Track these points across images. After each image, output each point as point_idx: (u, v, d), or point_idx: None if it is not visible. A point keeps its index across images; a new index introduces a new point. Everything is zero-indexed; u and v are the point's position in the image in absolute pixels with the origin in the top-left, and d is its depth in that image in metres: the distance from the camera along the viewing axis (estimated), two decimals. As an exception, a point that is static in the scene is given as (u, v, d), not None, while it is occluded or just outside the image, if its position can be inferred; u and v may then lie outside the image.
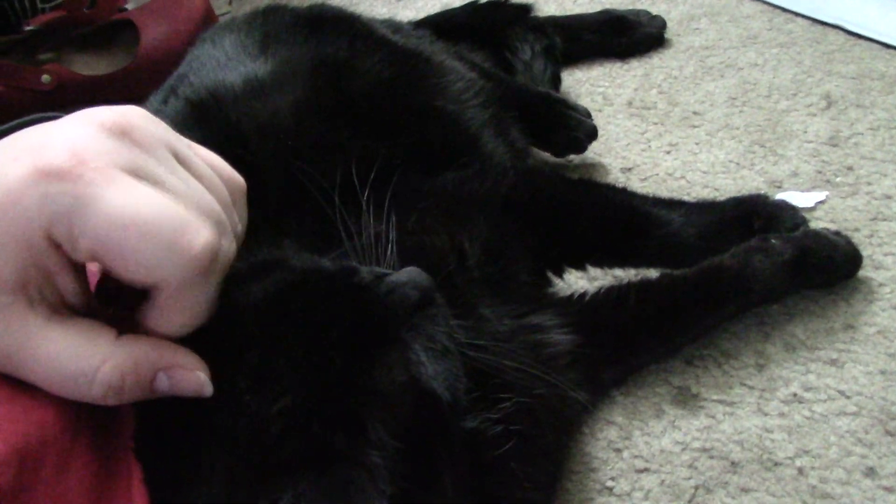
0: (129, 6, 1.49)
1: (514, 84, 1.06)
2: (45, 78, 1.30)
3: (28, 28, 1.37)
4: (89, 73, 1.35)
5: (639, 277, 0.79)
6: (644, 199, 0.81)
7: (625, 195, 0.82)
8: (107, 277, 0.43)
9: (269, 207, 0.65)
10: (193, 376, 0.41)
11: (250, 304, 0.45)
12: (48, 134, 0.40)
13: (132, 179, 0.39)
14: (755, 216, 0.79)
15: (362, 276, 0.49)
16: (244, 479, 0.40)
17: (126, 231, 0.37)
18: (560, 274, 0.78)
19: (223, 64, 0.79)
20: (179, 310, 0.41)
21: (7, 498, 0.35)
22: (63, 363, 0.39)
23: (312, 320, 0.45)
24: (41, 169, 0.37)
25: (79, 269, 0.40)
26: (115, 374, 0.39)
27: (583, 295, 0.77)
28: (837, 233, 0.78)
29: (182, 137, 0.47)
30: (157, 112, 0.75)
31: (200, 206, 0.41)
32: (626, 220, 0.78)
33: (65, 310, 0.40)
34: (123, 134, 0.40)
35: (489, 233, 0.70)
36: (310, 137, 0.71)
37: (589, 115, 1.00)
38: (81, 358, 0.39)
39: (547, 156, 1.03)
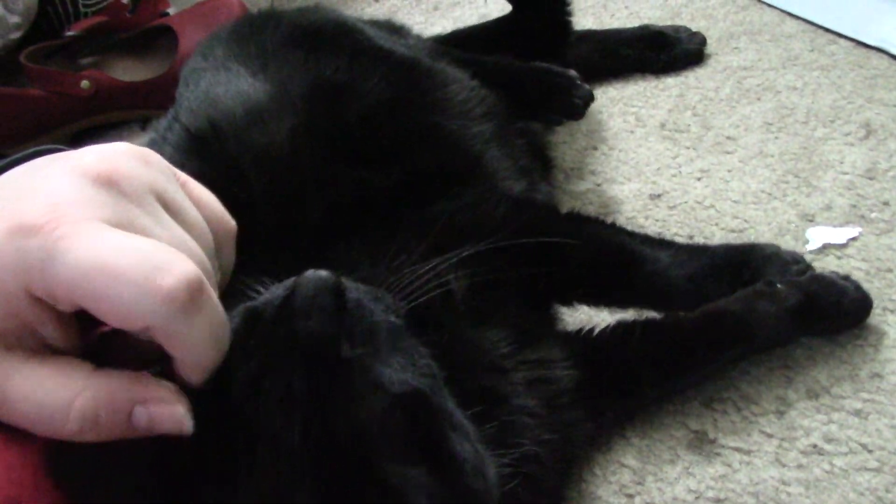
0: (171, 11, 1.50)
1: (500, 62, 1.03)
2: (85, 84, 1.32)
3: (70, 33, 1.39)
4: (128, 78, 1.37)
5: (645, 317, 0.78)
6: (633, 235, 0.80)
7: (614, 231, 0.81)
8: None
9: (262, 244, 0.64)
10: (172, 410, 0.40)
11: None
12: (34, 183, 0.40)
13: (105, 227, 0.38)
14: (745, 266, 0.78)
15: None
16: None
17: (93, 279, 0.36)
18: (547, 310, 0.76)
19: (220, 82, 0.78)
20: (184, 352, 0.40)
21: None
22: (39, 398, 0.38)
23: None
24: (16, 225, 0.37)
25: (66, 319, 0.40)
26: (90, 405, 0.38)
27: (591, 329, 0.76)
28: (846, 277, 0.76)
29: (178, 173, 0.46)
30: (161, 139, 0.75)
31: (181, 251, 0.40)
32: (613, 257, 0.77)
33: (45, 350, 0.40)
34: (110, 184, 0.40)
35: (478, 267, 0.68)
36: (305, 168, 0.71)
37: (581, 80, 0.98)
38: (56, 392, 0.38)
39: (560, 181, 1.02)
